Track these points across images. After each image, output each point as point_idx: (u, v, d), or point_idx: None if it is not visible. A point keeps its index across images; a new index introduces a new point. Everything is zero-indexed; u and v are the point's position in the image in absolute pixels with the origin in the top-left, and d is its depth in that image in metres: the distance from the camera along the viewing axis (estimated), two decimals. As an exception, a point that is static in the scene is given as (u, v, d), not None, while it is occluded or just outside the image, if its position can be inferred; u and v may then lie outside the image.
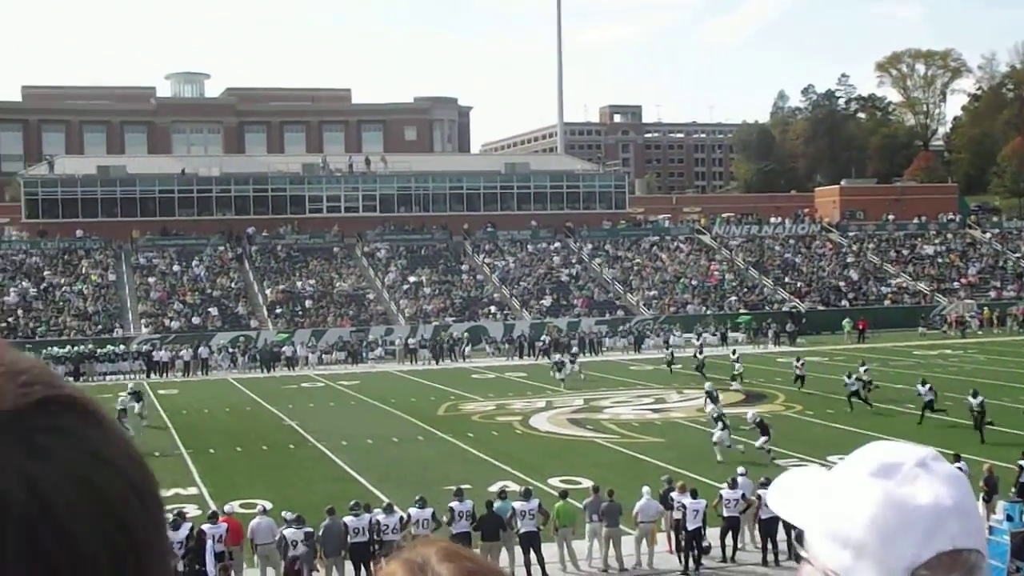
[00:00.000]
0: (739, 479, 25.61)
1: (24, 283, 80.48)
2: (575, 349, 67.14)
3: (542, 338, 73.18)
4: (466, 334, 74.65)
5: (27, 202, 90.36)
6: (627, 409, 47.08)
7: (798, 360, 52.07)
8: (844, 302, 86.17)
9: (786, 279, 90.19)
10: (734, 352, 55.85)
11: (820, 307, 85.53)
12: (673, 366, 59.23)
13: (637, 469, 32.93)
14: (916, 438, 31.13)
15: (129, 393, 46.81)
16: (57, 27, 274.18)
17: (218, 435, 42.97)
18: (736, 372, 52.31)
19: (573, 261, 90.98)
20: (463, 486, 26.40)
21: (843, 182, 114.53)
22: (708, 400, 42.24)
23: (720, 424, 35.12)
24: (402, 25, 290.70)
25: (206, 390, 59.26)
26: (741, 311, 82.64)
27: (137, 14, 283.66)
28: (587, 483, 28.23)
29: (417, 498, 24.64)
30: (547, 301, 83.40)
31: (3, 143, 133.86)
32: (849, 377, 44.99)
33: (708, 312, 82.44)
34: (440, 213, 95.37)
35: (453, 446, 38.90)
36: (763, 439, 33.99)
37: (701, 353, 59.87)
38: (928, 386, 40.94)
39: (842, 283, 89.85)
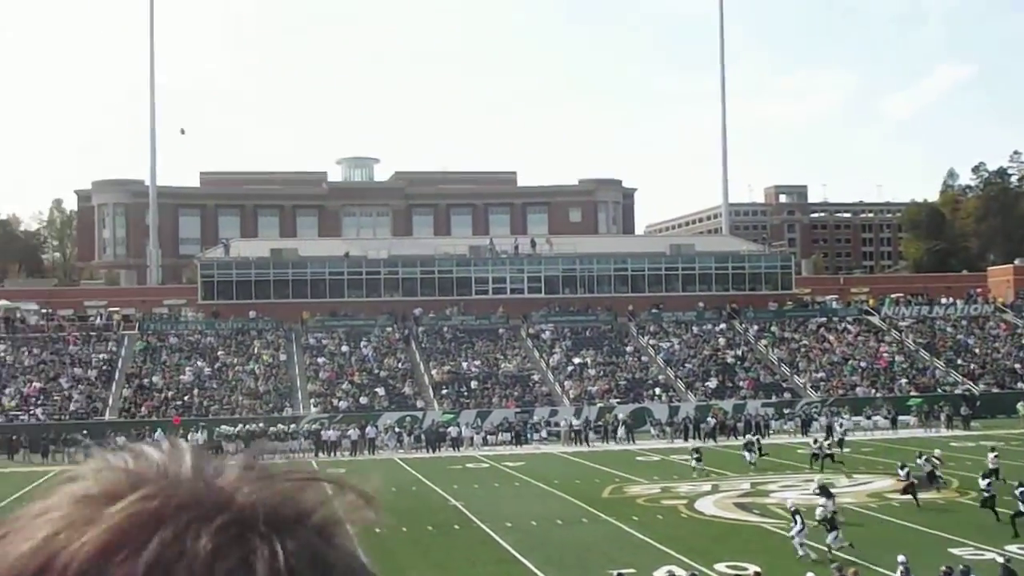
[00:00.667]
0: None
1: (199, 362, 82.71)
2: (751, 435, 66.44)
3: (707, 420, 72.66)
4: (630, 417, 74.38)
5: (203, 284, 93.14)
6: (795, 493, 46.24)
7: (992, 451, 49.10)
8: (1020, 384, 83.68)
9: (959, 361, 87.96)
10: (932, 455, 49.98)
11: (995, 389, 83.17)
12: (839, 450, 58.20)
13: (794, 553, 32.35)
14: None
15: None
16: (234, 115, 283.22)
17: (384, 514, 43.27)
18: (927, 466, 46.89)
19: (739, 342, 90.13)
20: (627, 570, 26.26)
21: (1017, 261, 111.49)
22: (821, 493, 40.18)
23: (798, 519, 33.71)
24: (567, 108, 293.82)
25: (373, 469, 59.90)
26: (912, 394, 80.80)
27: (309, 101, 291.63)
28: (753, 568, 27.83)
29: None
30: (712, 383, 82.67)
31: (182, 227, 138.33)
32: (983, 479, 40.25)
33: (878, 395, 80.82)
34: (604, 294, 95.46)
35: (617, 529, 38.67)
36: (832, 534, 32.89)
37: (834, 439, 59.40)
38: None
39: (1017, 365, 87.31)
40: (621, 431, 71.70)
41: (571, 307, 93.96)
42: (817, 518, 33.97)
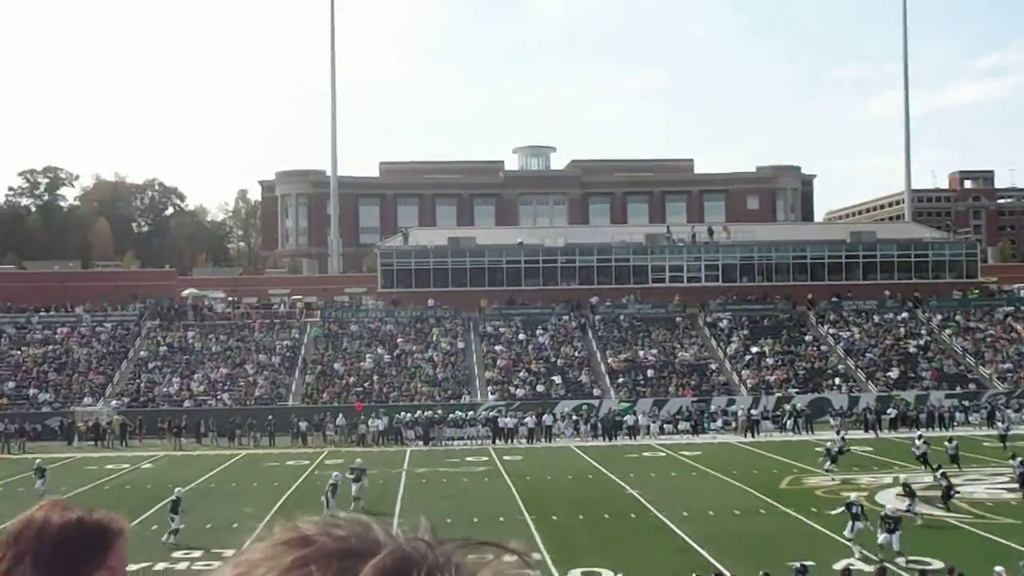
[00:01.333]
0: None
1: (379, 350, 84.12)
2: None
3: (888, 411, 71.37)
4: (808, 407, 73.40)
5: (383, 272, 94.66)
6: (980, 488, 45.13)
7: None
8: None
9: None
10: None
11: None
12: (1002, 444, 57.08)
13: (991, 551, 31.51)
14: None
15: (351, 469, 46.03)
16: (412, 105, 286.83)
17: (561, 502, 43.58)
18: None
19: (922, 332, 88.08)
20: (807, 562, 25.93)
21: None
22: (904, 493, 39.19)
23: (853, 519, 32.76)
24: (742, 94, 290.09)
25: (549, 457, 60.25)
26: (1105, 386, 78.02)
27: (487, 91, 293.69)
28: (938, 564, 27.25)
29: (761, 574, 24.33)
30: (894, 373, 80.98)
31: (362, 216, 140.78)
32: None
33: (1069, 387, 78.27)
34: (783, 283, 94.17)
35: (796, 521, 38.23)
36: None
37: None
38: None
39: None
40: (796, 421, 70.86)
41: (749, 296, 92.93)
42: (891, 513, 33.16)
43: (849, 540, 32.43)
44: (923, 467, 49.08)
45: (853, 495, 36.74)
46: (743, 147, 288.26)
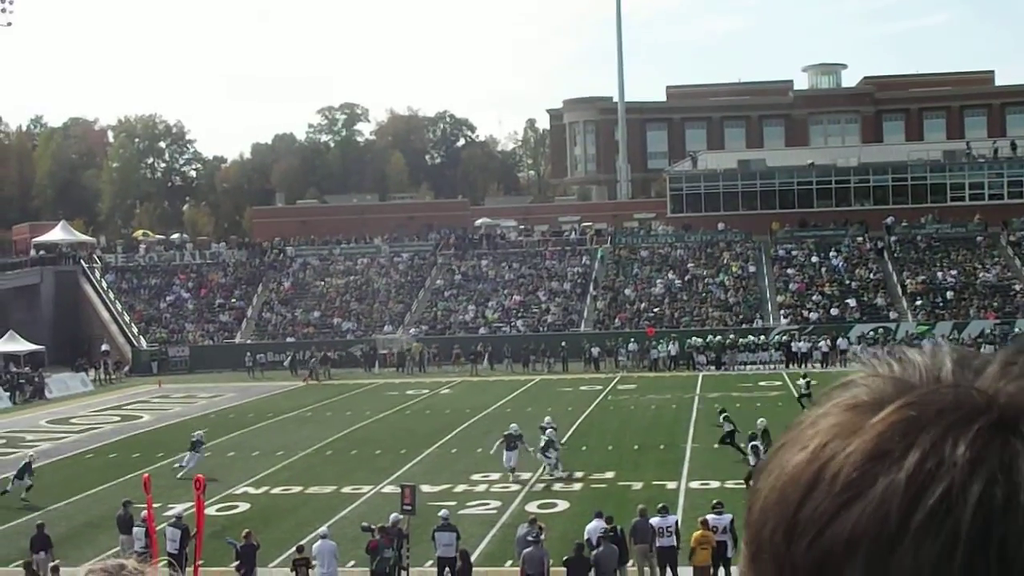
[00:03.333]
0: None
1: (670, 275, 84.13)
2: None
3: None
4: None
5: (672, 197, 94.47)
6: None
7: None
8: None
9: None
10: None
11: None
12: None
13: None
14: None
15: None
16: (697, 27, 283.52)
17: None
18: None
19: None
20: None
21: None
22: None
23: None
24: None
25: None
26: None
27: (774, 10, 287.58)
28: None
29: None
30: None
31: (650, 142, 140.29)
32: None
33: None
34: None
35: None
36: None
37: None
38: None
39: None
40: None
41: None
42: None
43: None
44: None
45: None
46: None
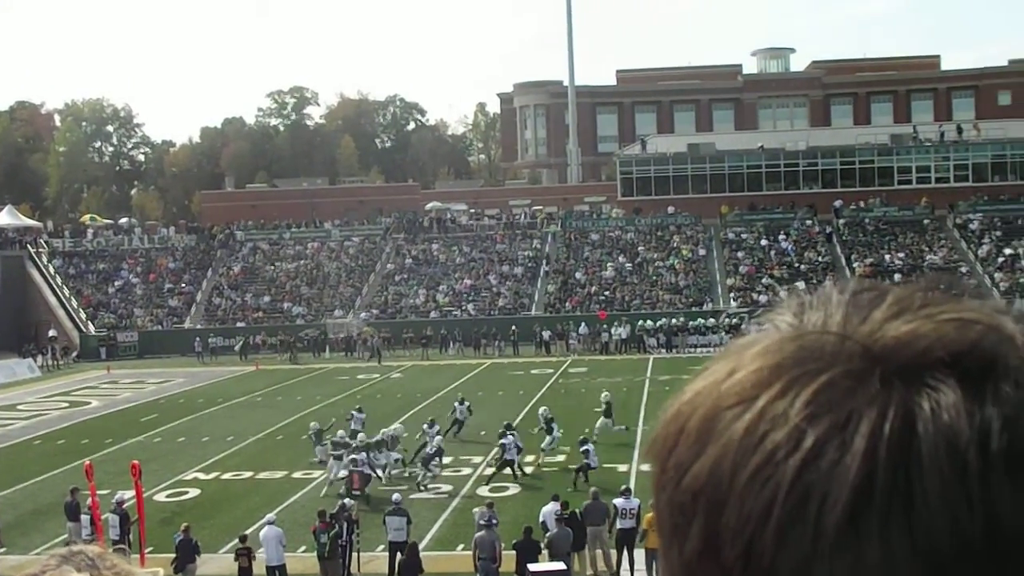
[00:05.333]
0: None
1: (620, 258, 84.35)
2: None
3: None
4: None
5: (622, 181, 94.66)
6: None
7: None
8: None
9: None
10: None
11: None
12: None
13: None
14: None
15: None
16: (647, 10, 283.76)
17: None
18: None
19: None
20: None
21: None
22: None
23: None
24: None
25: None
26: None
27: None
28: None
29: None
30: None
31: (600, 125, 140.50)
32: None
33: None
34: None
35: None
36: None
37: None
38: None
39: None
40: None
41: (1001, 195, 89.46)
42: None
43: None
44: None
45: None
46: (993, 41, 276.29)
